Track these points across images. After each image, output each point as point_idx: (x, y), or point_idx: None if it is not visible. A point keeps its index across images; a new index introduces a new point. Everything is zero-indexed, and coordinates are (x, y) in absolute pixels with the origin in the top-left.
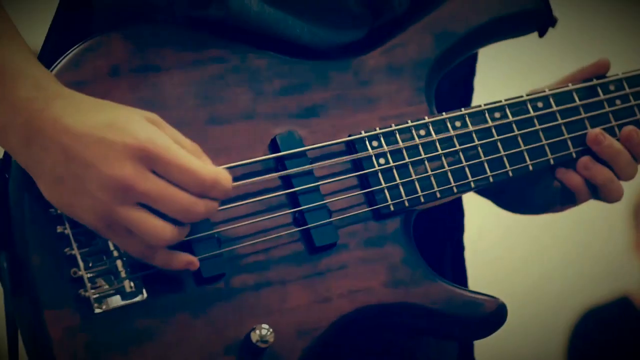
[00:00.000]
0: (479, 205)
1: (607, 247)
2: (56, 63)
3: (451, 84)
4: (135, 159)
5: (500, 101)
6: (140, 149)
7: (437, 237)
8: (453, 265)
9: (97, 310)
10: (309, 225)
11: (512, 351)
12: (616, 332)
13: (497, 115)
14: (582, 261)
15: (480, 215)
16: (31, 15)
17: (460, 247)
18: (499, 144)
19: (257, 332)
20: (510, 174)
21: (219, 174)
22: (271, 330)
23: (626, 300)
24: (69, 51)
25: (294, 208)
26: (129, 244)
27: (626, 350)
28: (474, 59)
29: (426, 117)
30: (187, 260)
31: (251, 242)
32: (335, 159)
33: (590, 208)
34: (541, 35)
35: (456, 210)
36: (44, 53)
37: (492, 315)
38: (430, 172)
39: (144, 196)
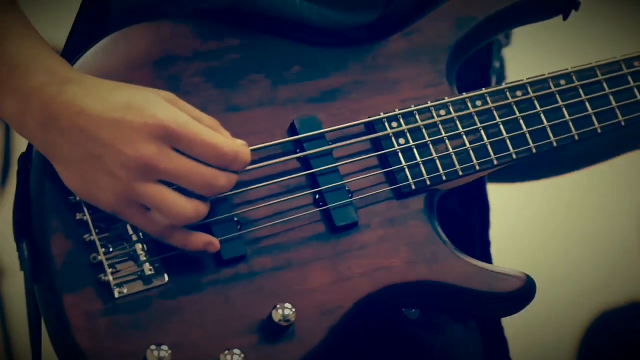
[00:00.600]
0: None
1: (619, 249)
2: (77, 57)
3: (467, 74)
4: (157, 138)
5: (522, 80)
6: (161, 128)
7: (463, 235)
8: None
9: (118, 295)
10: (329, 206)
11: (523, 353)
12: (628, 337)
13: (518, 93)
14: (595, 264)
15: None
16: (56, 16)
17: (487, 244)
18: (521, 121)
19: (280, 311)
20: (534, 150)
21: (240, 146)
22: (294, 309)
23: (638, 305)
24: (90, 45)
25: (314, 189)
26: (149, 223)
27: (636, 355)
28: (490, 49)
29: (446, 98)
30: (207, 240)
31: (271, 223)
32: (354, 139)
33: (603, 209)
34: (565, 18)
35: (482, 205)
36: (66, 55)
37: (521, 290)
38: (451, 151)
39: (166, 173)
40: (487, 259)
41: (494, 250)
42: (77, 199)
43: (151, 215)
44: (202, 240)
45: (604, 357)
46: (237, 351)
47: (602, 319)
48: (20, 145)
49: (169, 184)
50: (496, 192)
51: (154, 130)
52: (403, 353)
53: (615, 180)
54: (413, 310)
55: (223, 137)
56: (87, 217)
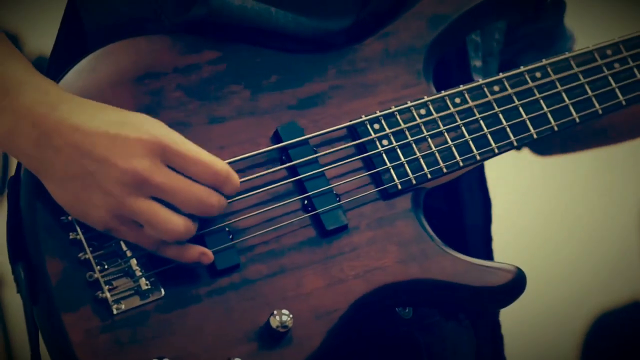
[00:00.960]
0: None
1: (617, 251)
2: (59, 77)
3: (449, 78)
4: (151, 154)
5: (498, 74)
6: (155, 143)
7: (451, 232)
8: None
9: (116, 311)
10: (318, 210)
11: (523, 354)
12: (629, 337)
13: (496, 88)
14: (595, 264)
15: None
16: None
17: (489, 239)
18: (500, 115)
19: (277, 317)
20: (515, 143)
21: (231, 169)
22: (291, 315)
23: (638, 305)
24: (71, 65)
25: (302, 195)
26: (142, 238)
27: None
28: (464, 50)
29: (425, 97)
30: (200, 251)
31: (262, 231)
32: (339, 144)
33: (603, 208)
34: (537, 14)
35: (484, 201)
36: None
37: (512, 282)
38: (434, 149)
39: (159, 189)
40: (489, 255)
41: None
42: (70, 218)
43: (143, 231)
44: (196, 251)
45: (606, 356)
46: None
47: (604, 318)
48: None
49: (161, 202)
50: (497, 191)
51: (148, 145)
52: (397, 352)
53: (616, 179)
54: (407, 310)
55: (215, 157)
56: (80, 236)
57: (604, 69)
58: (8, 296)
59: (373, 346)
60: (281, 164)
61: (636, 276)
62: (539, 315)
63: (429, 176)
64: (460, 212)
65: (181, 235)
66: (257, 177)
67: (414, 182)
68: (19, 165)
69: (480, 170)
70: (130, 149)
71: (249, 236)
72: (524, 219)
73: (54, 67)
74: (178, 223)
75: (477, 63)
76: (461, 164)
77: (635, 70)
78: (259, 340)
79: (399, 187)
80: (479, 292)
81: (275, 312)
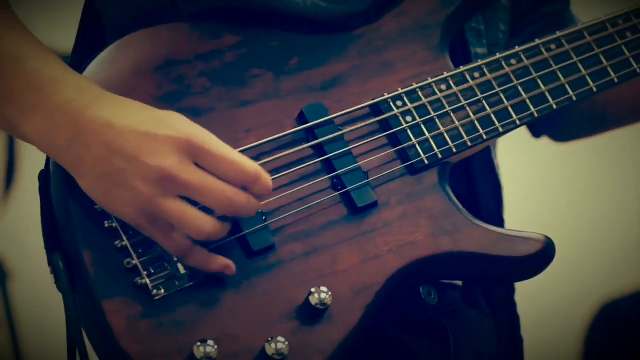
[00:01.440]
0: None
1: (626, 239)
2: (81, 69)
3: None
4: (180, 151)
5: (515, 48)
6: (184, 141)
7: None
8: None
9: (157, 297)
10: (348, 188)
11: (530, 339)
12: (634, 327)
13: (513, 62)
14: (598, 254)
15: None
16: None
17: (501, 221)
18: (519, 88)
19: (316, 295)
20: (536, 115)
21: (261, 169)
22: (330, 293)
23: None
24: (93, 57)
25: (331, 174)
26: (169, 242)
27: None
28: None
29: (445, 73)
30: (224, 263)
31: (294, 211)
32: (364, 122)
33: (610, 197)
34: None
35: (494, 184)
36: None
37: (542, 251)
38: (457, 123)
39: (187, 187)
40: None
41: None
42: None
43: (173, 235)
44: (221, 263)
45: (610, 345)
46: (280, 338)
47: (609, 307)
48: (23, 149)
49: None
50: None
51: (177, 143)
52: (425, 337)
53: (623, 168)
54: (432, 296)
55: (245, 157)
56: (116, 224)
57: (617, 37)
58: (14, 289)
59: (401, 331)
60: (309, 144)
61: None
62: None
63: (454, 150)
64: (475, 195)
65: (210, 234)
66: (285, 156)
67: (439, 156)
68: (48, 158)
69: (488, 153)
70: (159, 147)
71: (281, 216)
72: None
73: (76, 64)
74: (206, 221)
75: (480, 50)
76: (485, 136)
77: None
78: (299, 318)
79: (426, 162)
80: (510, 262)
81: (313, 289)
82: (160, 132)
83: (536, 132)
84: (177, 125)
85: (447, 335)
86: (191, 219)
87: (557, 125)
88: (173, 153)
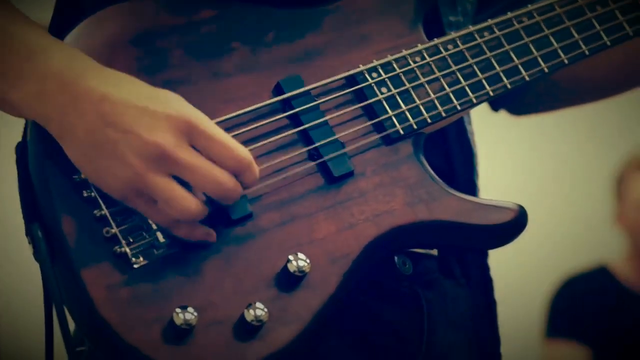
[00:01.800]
0: None
1: (588, 216)
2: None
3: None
4: (176, 130)
5: (487, 21)
6: (182, 121)
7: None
8: None
9: (136, 265)
10: (325, 158)
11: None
12: (594, 301)
13: (485, 34)
14: (563, 230)
15: None
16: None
17: (474, 188)
18: (492, 60)
19: (294, 262)
20: (509, 86)
21: (253, 159)
22: (308, 260)
23: (604, 270)
24: (69, 29)
25: (308, 144)
26: (156, 214)
27: (603, 319)
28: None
29: (419, 45)
30: (206, 231)
31: (272, 180)
32: (339, 92)
33: (573, 178)
34: None
35: (466, 152)
36: None
37: (515, 219)
38: (432, 94)
39: (179, 166)
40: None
41: None
42: (82, 176)
43: (157, 207)
44: (203, 231)
45: (571, 320)
46: (259, 305)
47: (571, 282)
48: None
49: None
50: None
51: (175, 122)
52: (399, 306)
53: (592, 144)
54: (407, 266)
55: (239, 144)
56: (95, 193)
57: (586, 10)
58: None
59: (371, 300)
60: (285, 114)
61: (605, 242)
62: (508, 276)
63: (429, 121)
64: (451, 165)
65: (193, 216)
66: (261, 126)
67: (415, 127)
68: (25, 130)
69: (461, 120)
70: (157, 123)
71: (260, 185)
72: (499, 178)
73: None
74: (192, 203)
75: (453, 19)
76: (459, 107)
77: (617, 13)
78: (278, 285)
79: (401, 132)
80: (484, 230)
81: (291, 257)
82: (159, 109)
83: (495, 105)
84: (177, 105)
85: (420, 303)
86: (179, 198)
87: (515, 99)
88: (170, 131)
